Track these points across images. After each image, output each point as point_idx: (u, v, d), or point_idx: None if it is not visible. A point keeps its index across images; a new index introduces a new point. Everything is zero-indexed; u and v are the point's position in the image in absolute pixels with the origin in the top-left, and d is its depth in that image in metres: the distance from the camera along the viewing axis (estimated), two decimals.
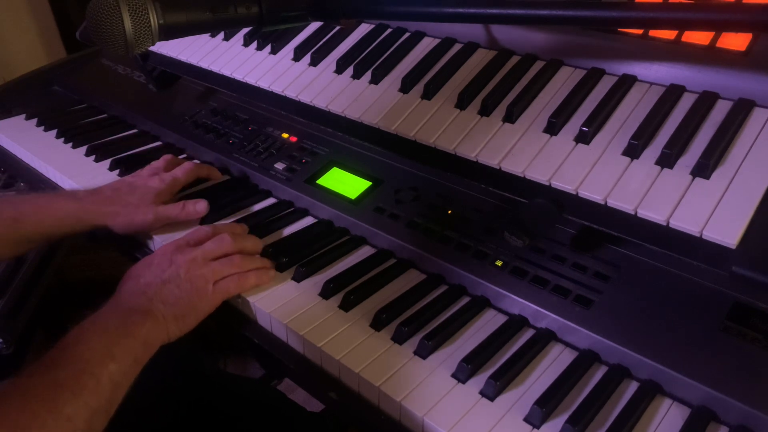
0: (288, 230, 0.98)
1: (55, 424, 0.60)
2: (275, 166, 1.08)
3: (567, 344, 0.75)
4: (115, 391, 0.68)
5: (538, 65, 0.95)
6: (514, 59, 0.98)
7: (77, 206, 0.96)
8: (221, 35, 1.28)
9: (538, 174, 0.82)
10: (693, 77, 0.83)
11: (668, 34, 0.86)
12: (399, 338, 0.76)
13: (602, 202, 0.77)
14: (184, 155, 1.22)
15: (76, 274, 1.52)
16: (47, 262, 1.27)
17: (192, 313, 0.79)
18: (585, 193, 0.78)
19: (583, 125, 0.83)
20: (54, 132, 1.33)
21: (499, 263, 0.82)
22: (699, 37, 0.84)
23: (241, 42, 1.23)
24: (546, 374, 0.71)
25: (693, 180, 0.74)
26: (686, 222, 0.71)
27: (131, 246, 1.01)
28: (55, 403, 0.62)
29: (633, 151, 0.79)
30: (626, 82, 0.87)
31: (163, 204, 0.99)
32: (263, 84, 1.13)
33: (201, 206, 0.99)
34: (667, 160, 0.76)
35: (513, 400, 0.68)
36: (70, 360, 0.66)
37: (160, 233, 0.98)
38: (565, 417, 0.65)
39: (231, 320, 0.85)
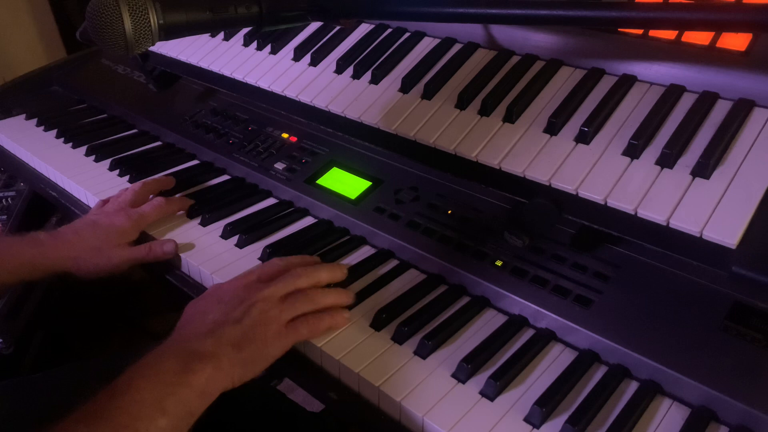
0: (288, 230, 0.98)
1: None
2: (275, 166, 1.08)
3: (567, 344, 0.75)
4: None
5: (538, 65, 0.95)
6: (514, 59, 0.98)
7: (36, 252, 0.91)
8: (221, 35, 1.28)
9: (538, 174, 0.82)
10: (693, 77, 0.83)
11: (668, 34, 0.86)
12: (399, 338, 0.76)
13: (602, 202, 0.77)
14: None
15: None
16: None
17: (261, 360, 0.72)
18: (585, 193, 0.78)
19: (583, 125, 0.83)
20: (54, 132, 1.33)
21: (499, 263, 0.82)
22: (699, 37, 0.84)
23: (241, 42, 1.23)
24: (546, 374, 0.71)
25: (693, 180, 0.74)
26: (686, 222, 0.71)
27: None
28: None
29: (633, 151, 0.79)
30: (626, 82, 0.87)
31: (129, 246, 0.95)
32: (263, 84, 1.13)
33: (169, 247, 0.93)
34: (667, 160, 0.76)
35: (513, 400, 0.68)
36: (116, 411, 0.61)
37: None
38: (565, 417, 0.65)
39: None
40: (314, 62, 1.11)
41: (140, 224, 0.98)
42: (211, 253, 0.94)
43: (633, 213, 0.74)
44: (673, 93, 0.83)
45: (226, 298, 0.75)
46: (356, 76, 1.06)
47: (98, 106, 1.46)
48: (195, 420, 0.65)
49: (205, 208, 1.03)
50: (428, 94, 0.97)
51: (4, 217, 1.31)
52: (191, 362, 0.67)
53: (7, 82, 1.58)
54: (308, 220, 1.01)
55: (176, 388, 0.64)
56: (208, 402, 0.67)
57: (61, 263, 0.92)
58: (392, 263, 0.89)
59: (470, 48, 1.02)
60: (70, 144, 1.28)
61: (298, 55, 1.14)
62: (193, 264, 0.92)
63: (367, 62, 1.06)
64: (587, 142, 0.82)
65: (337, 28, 1.15)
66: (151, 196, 1.06)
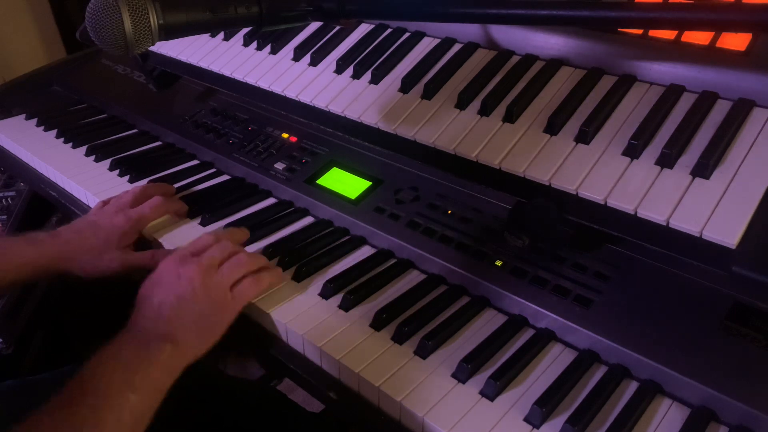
0: (288, 230, 0.98)
1: None
2: (275, 166, 1.08)
3: (567, 344, 0.75)
4: (138, 423, 0.65)
5: (538, 65, 0.95)
6: (514, 59, 0.98)
7: (37, 252, 0.91)
8: (221, 35, 1.28)
9: (538, 174, 0.82)
10: (693, 77, 0.83)
11: (668, 34, 0.86)
12: (399, 338, 0.76)
13: (602, 202, 0.77)
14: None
15: None
16: None
17: (215, 327, 0.75)
18: (585, 193, 0.78)
19: (583, 125, 0.83)
20: (54, 132, 1.33)
21: (499, 263, 0.82)
22: (699, 37, 0.84)
23: (241, 42, 1.23)
24: (546, 374, 0.71)
25: (693, 180, 0.74)
26: (686, 222, 0.71)
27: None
28: None
29: (633, 151, 0.79)
30: (626, 82, 0.87)
31: (131, 250, 0.95)
32: (263, 84, 1.13)
33: None
34: (667, 160, 0.76)
35: (513, 400, 0.68)
36: (90, 395, 0.64)
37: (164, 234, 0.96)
38: (565, 417, 0.65)
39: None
40: (314, 62, 1.11)
41: (140, 225, 0.97)
42: None
43: (633, 213, 0.74)
44: (673, 93, 0.83)
45: (165, 278, 0.78)
46: (356, 76, 1.05)
47: (98, 106, 1.46)
48: (162, 397, 0.69)
49: (205, 209, 1.02)
50: (428, 94, 0.97)
51: (4, 217, 1.31)
52: (150, 345, 0.70)
53: (7, 82, 1.58)
54: (308, 220, 1.01)
55: (141, 366, 0.68)
56: (173, 378, 0.71)
57: (61, 263, 0.92)
58: (392, 263, 0.89)
59: (470, 48, 1.02)
60: (70, 144, 1.28)
61: (298, 55, 1.14)
62: None
63: (367, 62, 1.06)
64: (587, 142, 0.82)
65: (337, 28, 1.15)
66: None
